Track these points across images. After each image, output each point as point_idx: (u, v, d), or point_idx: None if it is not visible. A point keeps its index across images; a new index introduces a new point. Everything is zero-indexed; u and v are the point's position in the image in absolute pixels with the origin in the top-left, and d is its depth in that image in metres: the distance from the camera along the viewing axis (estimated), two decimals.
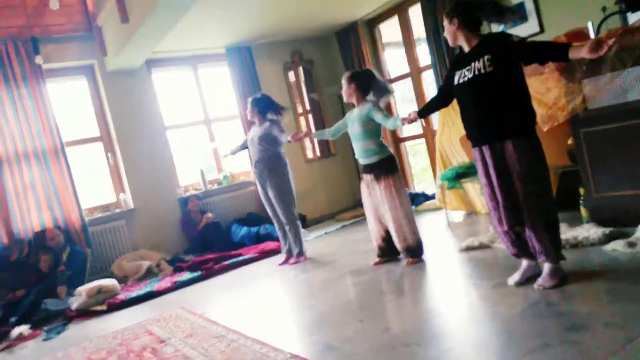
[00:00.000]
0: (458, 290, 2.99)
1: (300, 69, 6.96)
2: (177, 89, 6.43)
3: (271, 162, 4.45)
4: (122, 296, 4.39)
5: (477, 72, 2.59)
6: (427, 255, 3.70)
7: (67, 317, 4.28)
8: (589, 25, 3.33)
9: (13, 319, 4.15)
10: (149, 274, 5.16)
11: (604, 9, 3.58)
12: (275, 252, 5.06)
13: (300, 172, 6.27)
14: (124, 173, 5.66)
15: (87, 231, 5.19)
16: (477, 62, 2.59)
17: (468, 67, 2.64)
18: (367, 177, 3.75)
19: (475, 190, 4.71)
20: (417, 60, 6.13)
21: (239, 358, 2.43)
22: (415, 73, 6.15)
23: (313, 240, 5.47)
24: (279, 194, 4.42)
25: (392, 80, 6.61)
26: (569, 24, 3.70)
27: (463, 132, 3.93)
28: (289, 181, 4.49)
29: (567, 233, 3.20)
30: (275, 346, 2.47)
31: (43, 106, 5.10)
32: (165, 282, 4.62)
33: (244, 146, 4.82)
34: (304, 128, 6.86)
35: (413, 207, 4.87)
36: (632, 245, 2.82)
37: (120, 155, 5.63)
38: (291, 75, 6.90)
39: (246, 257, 5.02)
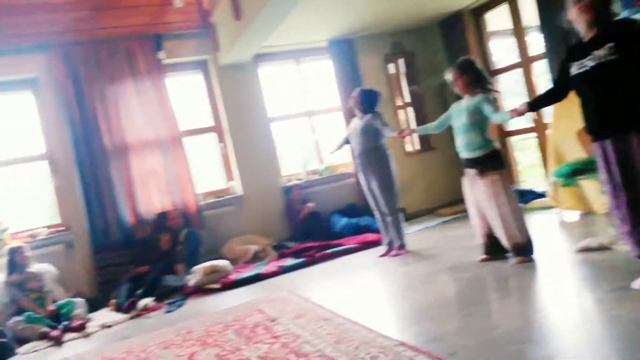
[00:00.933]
0: (572, 292, 2.86)
1: (401, 61, 6.92)
2: (281, 82, 6.69)
3: (373, 154, 4.51)
4: (233, 276, 4.71)
5: (599, 61, 2.44)
6: (537, 255, 3.55)
7: (185, 292, 4.68)
8: None
9: (139, 292, 4.62)
10: (256, 257, 5.47)
11: None
12: (375, 243, 5.12)
13: (399, 166, 6.23)
14: (234, 162, 6.03)
15: (201, 214, 5.62)
16: (599, 51, 2.45)
17: (590, 56, 2.50)
18: (470, 172, 3.67)
19: (593, 188, 4.41)
20: (527, 49, 5.83)
21: (347, 341, 2.53)
22: (525, 63, 5.86)
23: (412, 234, 5.45)
24: (382, 185, 4.48)
25: (498, 71, 6.36)
26: None
27: (580, 125, 3.72)
28: (393, 172, 4.53)
29: None
30: (382, 333, 2.54)
31: (164, 98, 5.57)
32: (272, 267, 4.88)
33: (347, 140, 4.93)
34: (402, 121, 6.83)
35: (521, 204, 4.68)
36: None
37: (232, 145, 6.00)
38: (391, 67, 6.89)
39: (347, 247, 5.14)
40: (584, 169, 4.07)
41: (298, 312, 3.24)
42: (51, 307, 4.27)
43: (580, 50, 2.57)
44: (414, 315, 2.88)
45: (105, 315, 4.37)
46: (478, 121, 3.57)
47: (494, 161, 3.55)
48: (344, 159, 6.60)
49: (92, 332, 3.95)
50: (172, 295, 4.72)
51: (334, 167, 6.60)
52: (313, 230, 5.74)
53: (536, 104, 3.08)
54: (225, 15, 5.28)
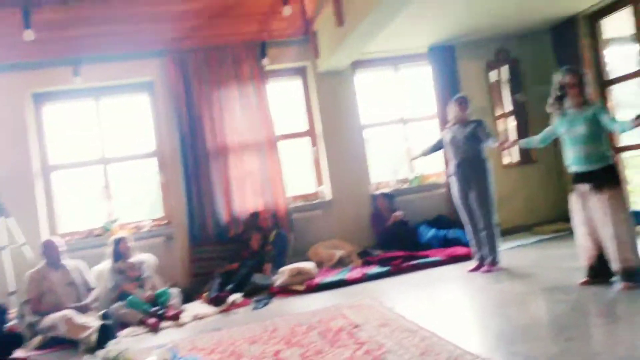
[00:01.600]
0: None
1: (505, 68, 6.59)
2: (377, 89, 6.67)
3: (476, 163, 4.36)
4: (318, 279, 4.76)
5: None
6: None
7: (272, 291, 4.80)
8: None
9: (228, 287, 4.81)
10: (341, 262, 5.48)
11: None
12: (465, 257, 4.92)
13: (496, 178, 5.95)
14: (325, 167, 6.10)
15: (290, 217, 5.75)
16: None
17: None
18: (583, 187, 3.39)
19: None
20: None
21: (433, 354, 2.44)
22: None
23: (507, 250, 5.16)
24: (481, 196, 4.31)
25: (614, 81, 5.85)
26: None
27: None
28: (492, 185, 4.34)
29: None
30: (470, 350, 2.42)
31: (264, 103, 5.79)
32: (356, 273, 4.87)
33: (437, 147, 4.79)
34: (502, 131, 6.50)
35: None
36: None
37: (324, 150, 6.08)
38: (493, 74, 6.59)
39: (434, 259, 4.99)
40: None
41: (382, 321, 3.19)
42: (149, 293, 4.57)
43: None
44: (506, 335, 2.72)
45: (198, 307, 4.59)
46: (597, 132, 3.34)
47: (612, 176, 3.29)
48: (435, 169, 6.43)
49: (185, 322, 4.17)
50: (260, 293, 4.86)
51: (425, 176, 6.44)
52: (400, 239, 5.62)
53: None
54: (328, 22, 5.37)
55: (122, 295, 4.48)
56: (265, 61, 5.71)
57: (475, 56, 6.45)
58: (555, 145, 3.66)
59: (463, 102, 4.54)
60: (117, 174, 5.86)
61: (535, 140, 3.85)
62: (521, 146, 4.04)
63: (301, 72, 6.24)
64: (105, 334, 3.67)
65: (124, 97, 5.97)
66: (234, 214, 5.65)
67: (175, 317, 4.20)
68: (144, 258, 5.00)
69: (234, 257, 5.33)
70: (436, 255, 5.11)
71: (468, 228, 4.54)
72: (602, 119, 3.28)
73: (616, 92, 5.98)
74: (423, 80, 6.50)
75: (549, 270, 4.09)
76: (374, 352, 2.62)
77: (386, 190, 6.06)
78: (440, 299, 3.76)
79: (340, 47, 5.16)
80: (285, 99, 6.34)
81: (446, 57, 6.26)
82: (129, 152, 5.90)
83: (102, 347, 3.59)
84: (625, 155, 5.91)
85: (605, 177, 3.27)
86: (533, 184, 6.45)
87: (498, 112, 6.57)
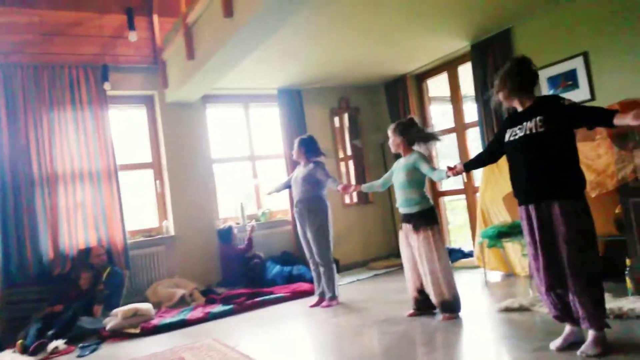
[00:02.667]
0: (495, 350, 2.94)
1: (346, 115, 7.14)
2: (227, 125, 6.68)
3: (312, 203, 4.54)
4: (155, 321, 4.46)
5: (528, 132, 2.64)
6: (463, 313, 3.65)
7: (101, 336, 4.36)
8: None
9: (50, 333, 4.26)
10: (182, 302, 5.23)
11: None
12: (308, 293, 5.07)
13: (337, 217, 6.31)
14: (169, 201, 5.86)
15: (127, 253, 5.36)
16: (529, 122, 2.65)
17: (520, 126, 2.69)
18: (406, 227, 3.77)
19: (515, 251, 4.65)
20: (463, 116, 6.21)
21: None
22: (460, 129, 6.22)
23: (345, 285, 5.45)
24: (317, 235, 4.49)
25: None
26: (624, 93, 3.73)
27: (507, 190, 3.95)
28: (328, 223, 4.56)
29: (611, 303, 3.12)
30: None
31: (103, 130, 5.40)
32: (198, 312, 4.68)
33: (287, 185, 4.95)
34: (343, 173, 6.97)
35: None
36: None
37: (168, 183, 5.85)
38: (336, 120, 7.09)
39: (278, 295, 5.04)
40: (509, 232, 4.30)
41: None
42: None
43: (515, 119, 2.77)
44: None
45: (10, 357, 3.97)
46: (415, 179, 3.72)
47: (428, 217, 3.67)
48: (282, 206, 6.60)
49: None
50: (87, 338, 4.39)
51: (272, 213, 6.56)
52: (247, 274, 5.59)
53: (471, 164, 3.25)
54: (178, 54, 5.28)
55: None
56: (106, 85, 5.36)
57: (320, 102, 6.89)
58: (388, 187, 4.03)
59: (297, 144, 4.69)
60: None
61: (377, 185, 4.14)
62: (364, 190, 4.31)
63: (148, 100, 5.99)
64: None
65: None
66: (60, 250, 5.09)
67: None
68: None
69: (58, 299, 4.75)
70: (281, 291, 5.17)
71: (310, 264, 4.71)
72: (421, 167, 3.69)
73: (438, 144, 6.84)
74: (272, 119, 6.71)
75: (381, 303, 4.41)
76: None
77: (238, 225, 5.96)
78: (283, 335, 3.79)
79: (190, 80, 5.10)
80: (129, 127, 6.00)
81: (294, 100, 6.57)
82: None
83: None
84: (446, 199, 6.75)
85: (422, 219, 3.66)
86: (369, 223, 6.98)
87: (341, 155, 7.04)
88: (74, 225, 5.18)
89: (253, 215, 6.44)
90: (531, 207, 2.68)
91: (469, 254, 5.84)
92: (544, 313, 3.24)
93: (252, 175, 6.56)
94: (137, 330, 4.34)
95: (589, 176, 3.37)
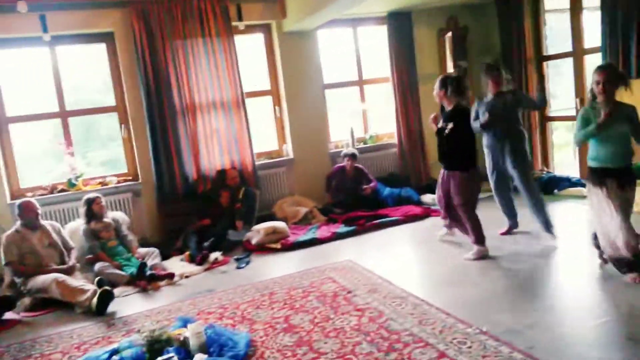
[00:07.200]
0: None
1: (450, 35, 7.00)
2: (336, 49, 6.85)
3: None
4: (292, 238, 5.15)
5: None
6: None
7: (248, 249, 5.13)
8: None
9: (206, 244, 5.06)
10: (305, 219, 5.89)
11: None
12: (420, 217, 5.54)
13: None
14: (287, 125, 6.33)
15: (257, 174, 6.00)
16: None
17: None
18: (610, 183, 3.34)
19: None
20: (582, 39, 5.95)
21: (429, 323, 2.97)
22: (579, 53, 6.01)
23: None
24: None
25: (549, 57, 6.54)
26: None
27: None
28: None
29: None
30: (461, 318, 2.98)
31: (231, 61, 5.79)
32: (325, 231, 5.31)
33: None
34: None
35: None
36: None
37: (287, 109, 6.28)
38: (444, 40, 7.01)
39: (393, 218, 5.54)
40: None
41: (370, 286, 3.68)
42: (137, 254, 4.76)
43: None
44: (483, 301, 3.29)
45: (180, 265, 4.82)
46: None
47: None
48: (388, 129, 6.89)
49: (177, 282, 4.41)
50: (234, 249, 5.18)
51: (378, 136, 6.90)
52: (361, 198, 6.06)
53: None
54: None
55: (96, 262, 4.53)
56: (231, 16, 5.68)
57: (429, 23, 6.84)
58: None
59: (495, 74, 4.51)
60: (76, 127, 5.69)
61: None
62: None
63: (265, 29, 6.26)
64: (106, 299, 3.84)
65: (81, 48, 5.68)
66: (202, 171, 5.80)
67: (170, 277, 4.41)
68: (117, 216, 5.06)
69: (203, 214, 5.53)
70: (394, 214, 5.66)
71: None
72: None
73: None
74: (379, 42, 6.77)
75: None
76: (376, 319, 3.11)
77: (353, 150, 6.26)
78: (411, 260, 4.35)
79: (316, 13, 5.25)
80: (249, 56, 6.35)
81: (403, 22, 6.58)
82: (87, 106, 5.72)
83: (102, 312, 3.80)
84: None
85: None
86: None
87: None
88: (212, 150, 5.83)
89: (361, 138, 6.81)
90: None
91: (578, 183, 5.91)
92: None
93: (360, 100, 6.83)
94: (279, 246, 5.05)
95: None
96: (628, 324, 2.82)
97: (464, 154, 4.14)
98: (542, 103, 4.74)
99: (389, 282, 3.74)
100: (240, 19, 5.85)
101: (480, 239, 4.16)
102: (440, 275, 3.91)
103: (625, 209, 3.28)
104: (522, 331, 2.78)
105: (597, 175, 3.37)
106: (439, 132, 4.20)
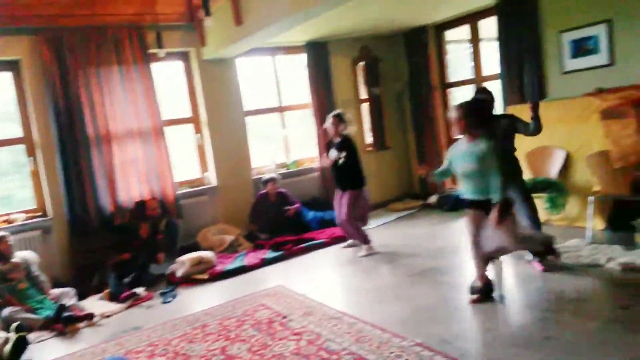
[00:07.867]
0: None
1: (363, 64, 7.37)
2: (256, 76, 6.92)
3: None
4: (219, 268, 5.04)
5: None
6: None
7: (172, 282, 4.95)
8: None
9: (126, 281, 4.81)
10: (231, 247, 5.80)
11: None
12: (343, 239, 5.66)
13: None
14: (209, 153, 6.25)
15: (179, 203, 5.83)
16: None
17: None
18: None
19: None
20: (481, 68, 6.54)
21: (366, 340, 3.05)
22: (479, 80, 6.58)
23: (375, 229, 6.05)
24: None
25: (452, 84, 7.08)
26: None
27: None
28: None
29: (625, 257, 3.77)
30: (396, 332, 3.09)
31: (149, 88, 5.64)
32: (253, 258, 5.27)
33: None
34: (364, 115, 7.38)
35: None
36: None
37: (208, 136, 6.21)
38: (358, 68, 7.36)
39: (319, 241, 5.63)
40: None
41: (305, 310, 3.70)
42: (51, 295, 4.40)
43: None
44: (414, 315, 3.42)
45: (99, 304, 4.53)
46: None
47: None
48: (309, 154, 7.03)
49: (97, 323, 4.13)
50: (157, 283, 4.97)
51: (300, 161, 7.02)
52: (286, 221, 6.08)
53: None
54: (221, 16, 5.37)
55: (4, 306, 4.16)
56: (148, 45, 5.57)
57: (344, 52, 7.15)
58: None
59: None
60: None
61: None
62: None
63: (184, 57, 6.19)
64: (20, 347, 3.51)
65: None
66: (119, 202, 5.53)
67: (90, 317, 4.12)
68: (26, 256, 4.68)
69: (122, 248, 5.26)
70: (319, 237, 5.76)
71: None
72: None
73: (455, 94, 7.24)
74: (297, 69, 6.95)
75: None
76: (315, 342, 3.13)
77: (273, 174, 6.30)
78: (338, 280, 4.42)
79: (235, 44, 5.31)
80: (168, 83, 6.23)
81: (320, 52, 6.82)
82: None
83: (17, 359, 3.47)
84: None
85: None
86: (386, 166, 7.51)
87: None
88: (129, 180, 5.58)
89: (283, 164, 6.88)
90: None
91: None
92: None
93: (281, 126, 6.92)
94: (206, 276, 4.93)
95: (615, 150, 3.88)
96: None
97: (356, 175, 5.07)
98: (536, 129, 3.83)
99: (322, 304, 3.79)
100: (160, 46, 5.75)
101: (366, 240, 5.11)
102: (371, 293, 4.02)
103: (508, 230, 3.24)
104: (452, 341, 2.93)
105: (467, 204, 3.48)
106: (335, 163, 5.08)
